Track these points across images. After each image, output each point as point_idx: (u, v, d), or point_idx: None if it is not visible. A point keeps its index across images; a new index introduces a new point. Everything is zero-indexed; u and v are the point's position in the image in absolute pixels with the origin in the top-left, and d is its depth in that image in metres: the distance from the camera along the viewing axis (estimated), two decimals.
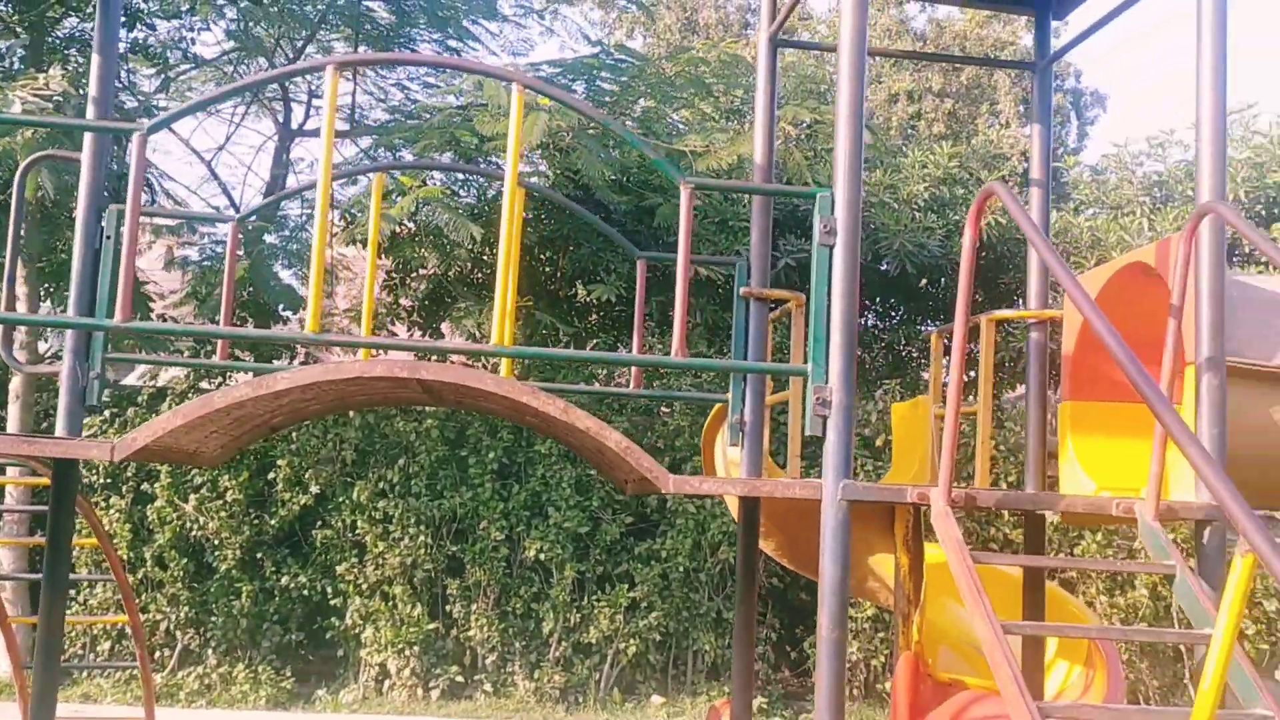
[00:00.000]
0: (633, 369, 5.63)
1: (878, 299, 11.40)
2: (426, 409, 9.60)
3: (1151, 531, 3.36)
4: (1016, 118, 18.77)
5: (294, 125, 12.03)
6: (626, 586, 9.53)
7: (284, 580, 9.56)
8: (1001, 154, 15.96)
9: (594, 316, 11.36)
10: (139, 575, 9.55)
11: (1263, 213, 10.88)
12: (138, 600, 9.34)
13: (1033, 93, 5.19)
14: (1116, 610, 9.46)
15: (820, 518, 3.50)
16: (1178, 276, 3.46)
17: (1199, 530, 3.50)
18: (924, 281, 10.82)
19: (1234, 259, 10.61)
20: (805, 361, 3.60)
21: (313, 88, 11.90)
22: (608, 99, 11.06)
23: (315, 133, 12.04)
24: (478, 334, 10.34)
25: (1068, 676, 5.51)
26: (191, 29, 11.27)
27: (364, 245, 10.67)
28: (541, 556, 9.46)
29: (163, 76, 11.25)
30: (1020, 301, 10.48)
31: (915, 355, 11.55)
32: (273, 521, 9.64)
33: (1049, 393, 4.99)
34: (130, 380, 11.66)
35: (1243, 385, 3.69)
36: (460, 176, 10.94)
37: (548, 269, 11.35)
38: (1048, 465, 4.82)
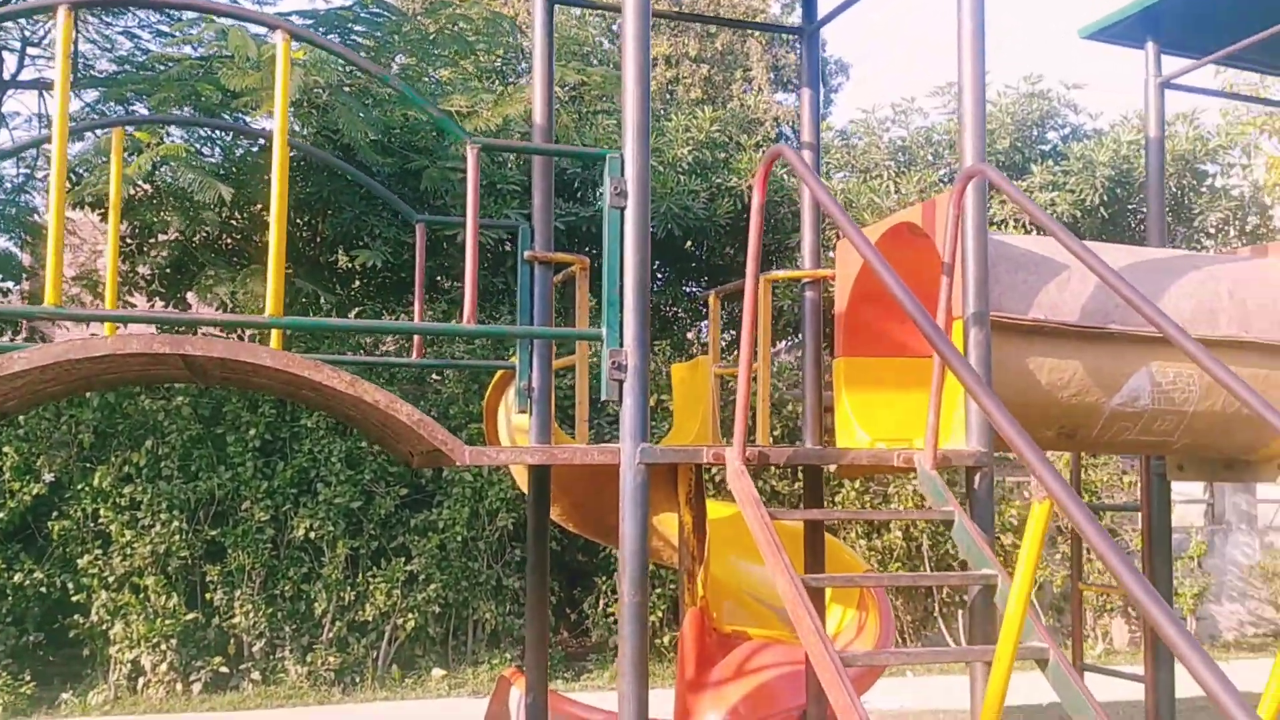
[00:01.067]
0: (415, 338, 5.42)
1: None
2: (175, 385, 8.93)
3: (930, 479, 3.52)
4: (768, 84, 19.42)
5: (5, 76, 10.80)
6: (403, 560, 9.28)
7: (16, 577, 8.72)
8: (757, 119, 16.50)
9: (356, 284, 10.91)
10: None
11: None
12: None
13: (802, 57, 5.30)
14: (874, 552, 10.09)
15: (607, 481, 3.46)
16: (948, 235, 3.62)
17: (970, 476, 3.69)
18: (689, 244, 11.03)
19: None
20: (595, 325, 3.54)
21: (26, 34, 10.71)
22: (364, 54, 10.55)
23: (31, 84, 10.87)
24: (230, 304, 9.69)
25: (842, 619, 5.78)
26: None
27: (92, 208, 9.76)
28: (311, 535, 9.05)
29: None
30: (776, 262, 10.87)
31: (681, 316, 11.80)
32: (1, 514, 8.74)
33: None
34: None
35: (1003, 338, 3.94)
36: (202, 133, 10.16)
37: (305, 234, 10.79)
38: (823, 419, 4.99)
